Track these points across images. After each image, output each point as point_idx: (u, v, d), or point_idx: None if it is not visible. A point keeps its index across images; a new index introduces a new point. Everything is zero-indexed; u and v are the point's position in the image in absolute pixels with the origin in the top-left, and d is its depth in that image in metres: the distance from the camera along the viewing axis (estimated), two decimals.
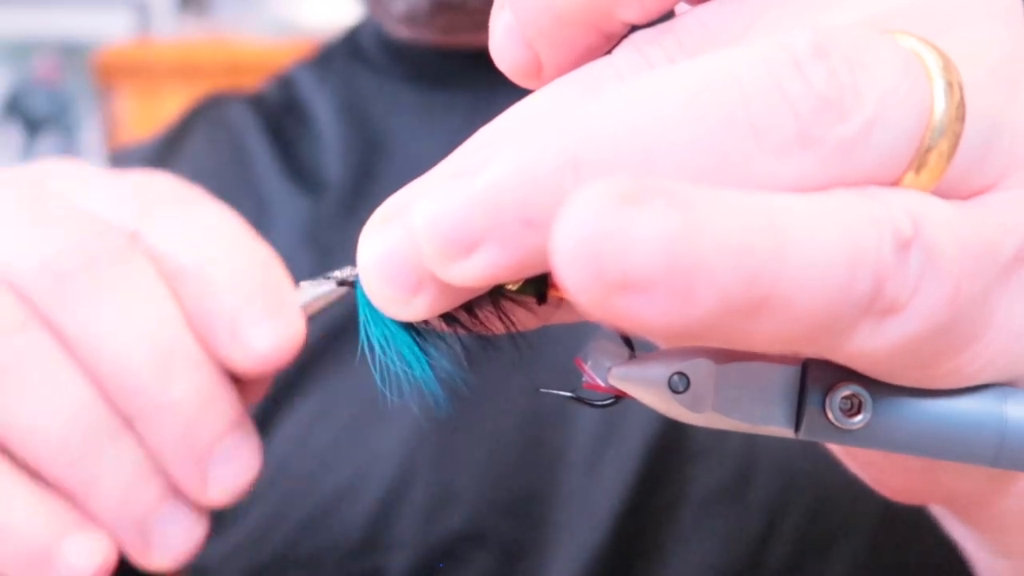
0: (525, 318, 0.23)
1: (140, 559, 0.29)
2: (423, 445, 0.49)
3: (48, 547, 0.28)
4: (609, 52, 0.21)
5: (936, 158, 0.17)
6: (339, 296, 0.28)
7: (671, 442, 0.47)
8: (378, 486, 0.49)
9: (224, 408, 0.29)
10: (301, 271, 0.31)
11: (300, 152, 0.60)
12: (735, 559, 0.46)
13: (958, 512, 0.27)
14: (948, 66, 0.17)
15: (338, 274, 0.27)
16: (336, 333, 0.51)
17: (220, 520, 0.49)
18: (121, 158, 0.65)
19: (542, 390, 0.24)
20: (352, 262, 0.23)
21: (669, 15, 0.21)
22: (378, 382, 0.23)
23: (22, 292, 0.28)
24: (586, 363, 0.22)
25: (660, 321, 0.15)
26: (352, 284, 0.26)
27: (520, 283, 0.21)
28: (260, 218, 0.56)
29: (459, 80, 0.58)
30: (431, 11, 0.54)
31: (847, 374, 0.20)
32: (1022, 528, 0.26)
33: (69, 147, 2.11)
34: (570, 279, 0.15)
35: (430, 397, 0.23)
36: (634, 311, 0.15)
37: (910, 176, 0.18)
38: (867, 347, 0.17)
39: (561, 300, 0.21)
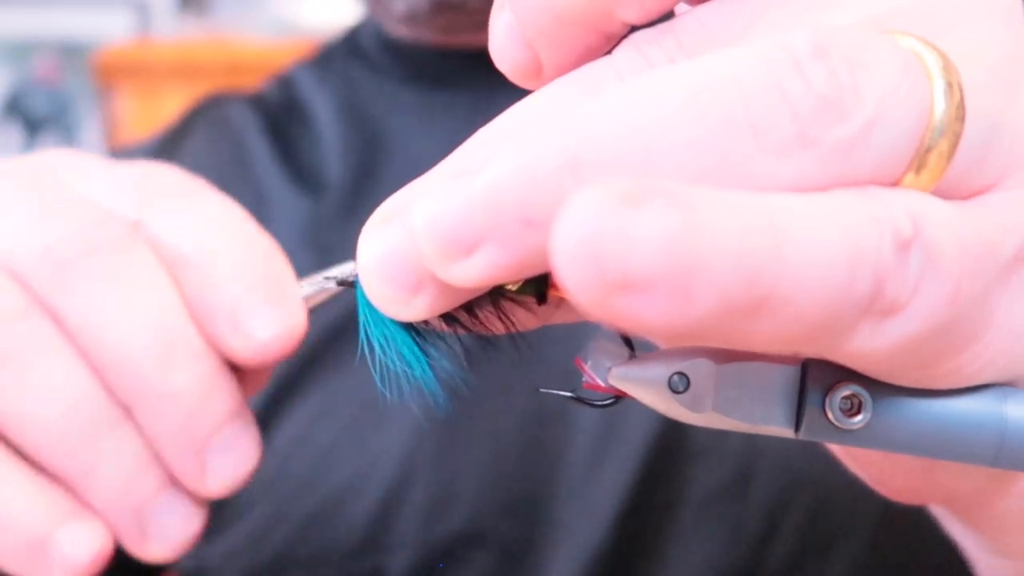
0: (525, 318, 0.23)
1: (136, 549, 0.29)
2: (423, 445, 0.49)
3: (44, 535, 0.28)
4: (609, 52, 0.21)
5: (936, 158, 0.17)
6: (341, 290, 0.28)
7: (671, 442, 0.47)
8: (378, 486, 0.49)
9: (224, 398, 0.29)
10: (301, 271, 0.31)
11: (300, 152, 0.60)
12: (735, 559, 0.46)
13: (958, 512, 0.27)
14: (948, 66, 0.17)
15: (337, 271, 0.27)
16: (336, 333, 0.51)
17: (221, 520, 0.49)
18: (121, 157, 0.65)
19: (542, 390, 0.24)
20: (352, 260, 0.23)
21: (669, 15, 0.21)
22: (378, 382, 0.23)
23: (23, 279, 0.28)
24: (586, 363, 0.21)
25: (660, 321, 0.15)
26: (352, 284, 0.26)
27: (520, 283, 0.21)
28: (260, 218, 0.55)
29: (459, 80, 0.58)
30: (431, 11, 0.54)
31: (847, 374, 0.20)
32: (1022, 528, 0.26)
33: (69, 147, 2.10)
34: (570, 279, 0.15)
35: (430, 397, 0.23)
36: (634, 311, 0.15)
37: (910, 176, 0.18)
38: (867, 347, 0.17)
39: (561, 300, 0.21)
